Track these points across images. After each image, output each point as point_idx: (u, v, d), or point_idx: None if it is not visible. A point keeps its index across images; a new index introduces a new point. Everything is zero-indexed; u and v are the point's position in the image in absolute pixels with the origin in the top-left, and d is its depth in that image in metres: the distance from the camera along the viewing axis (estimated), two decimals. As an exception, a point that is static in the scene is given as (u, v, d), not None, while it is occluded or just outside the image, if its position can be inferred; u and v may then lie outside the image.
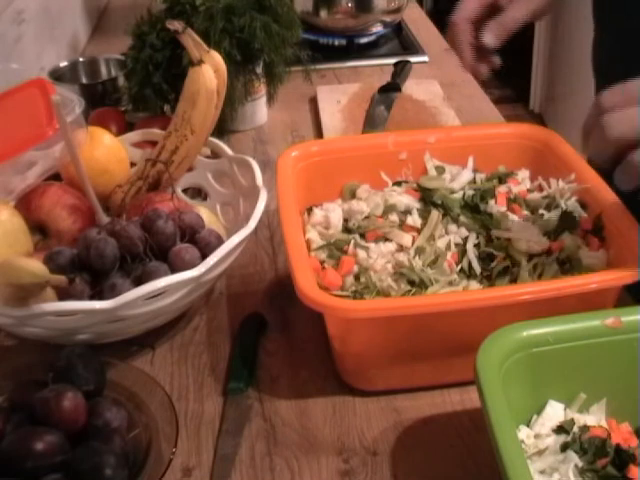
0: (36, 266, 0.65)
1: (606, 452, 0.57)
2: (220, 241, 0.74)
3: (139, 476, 0.59)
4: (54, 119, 0.74)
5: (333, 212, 0.77)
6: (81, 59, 1.25)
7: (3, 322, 0.69)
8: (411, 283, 0.68)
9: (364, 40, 1.51)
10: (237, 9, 1.03)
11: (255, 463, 0.64)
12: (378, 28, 1.50)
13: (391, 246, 0.72)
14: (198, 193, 0.94)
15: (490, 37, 0.78)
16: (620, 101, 0.58)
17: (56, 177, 0.84)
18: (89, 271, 0.70)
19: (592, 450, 0.57)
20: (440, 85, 1.27)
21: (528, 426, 0.60)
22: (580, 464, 0.56)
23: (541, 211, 0.76)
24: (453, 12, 0.82)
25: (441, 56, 1.46)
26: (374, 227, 0.74)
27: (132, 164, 0.90)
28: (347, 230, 0.76)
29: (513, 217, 0.75)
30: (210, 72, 0.82)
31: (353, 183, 0.82)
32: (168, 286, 0.68)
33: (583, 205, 0.76)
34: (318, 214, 0.77)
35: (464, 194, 0.78)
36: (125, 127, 1.02)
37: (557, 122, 3.06)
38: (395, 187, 0.81)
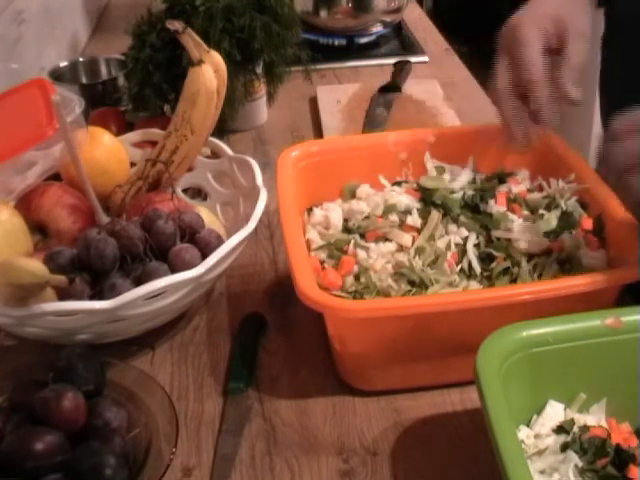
0: (36, 266, 0.65)
1: (606, 452, 0.57)
2: (220, 241, 0.74)
3: (139, 476, 0.59)
4: (54, 119, 0.74)
5: (333, 212, 0.77)
6: (81, 59, 1.25)
7: (3, 322, 0.69)
8: (411, 283, 0.68)
9: (364, 40, 1.51)
10: (237, 9, 1.03)
11: (255, 463, 0.64)
12: (378, 28, 1.50)
13: (391, 246, 0.72)
14: (198, 193, 0.94)
15: (576, 89, 0.70)
16: (627, 128, 0.58)
17: (56, 177, 0.84)
18: (89, 271, 0.70)
19: (592, 450, 0.57)
20: (440, 85, 1.27)
21: (528, 426, 0.60)
22: (580, 464, 0.56)
23: (541, 211, 0.76)
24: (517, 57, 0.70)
25: (441, 56, 1.46)
26: (374, 227, 0.74)
27: (132, 164, 0.90)
28: (347, 230, 0.76)
29: (513, 217, 0.75)
30: (210, 72, 0.82)
31: (353, 183, 0.81)
32: (168, 286, 0.68)
33: (583, 205, 0.76)
34: (318, 214, 0.77)
35: (464, 194, 0.78)
36: (125, 127, 1.02)
37: (557, 122, 3.05)
38: (395, 187, 0.81)
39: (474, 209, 0.77)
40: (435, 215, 0.75)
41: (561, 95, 0.71)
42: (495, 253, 0.71)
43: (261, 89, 1.17)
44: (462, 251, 0.72)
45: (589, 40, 0.73)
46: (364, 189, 0.81)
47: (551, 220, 0.74)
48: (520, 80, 0.71)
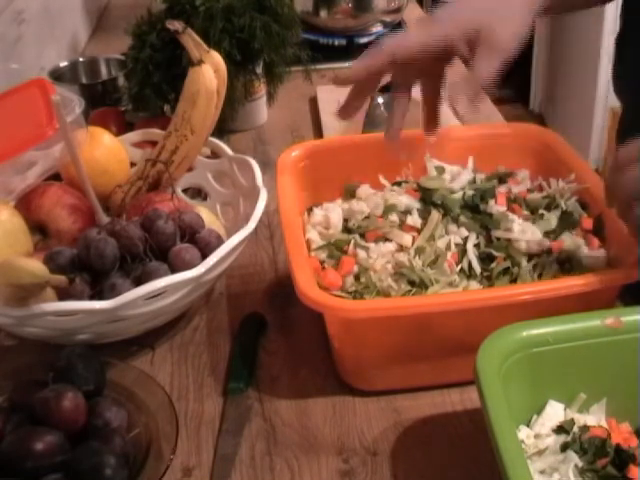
0: (36, 266, 0.65)
1: (606, 452, 0.57)
2: (220, 241, 0.74)
3: (139, 476, 0.59)
4: (54, 119, 0.74)
5: (333, 212, 0.77)
6: (81, 59, 1.25)
7: (3, 322, 0.69)
8: (411, 283, 0.68)
9: (364, 40, 1.50)
10: (237, 9, 1.03)
11: (255, 463, 0.64)
12: (378, 28, 1.50)
13: (391, 246, 0.72)
14: (198, 193, 0.94)
15: (465, 107, 0.62)
16: (635, 157, 0.57)
17: (56, 177, 0.84)
18: (89, 271, 0.70)
19: (592, 450, 0.57)
20: (440, 85, 1.27)
21: (528, 426, 0.60)
22: (580, 464, 0.56)
23: (541, 211, 0.76)
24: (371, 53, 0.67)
25: (441, 56, 1.46)
26: (374, 227, 0.74)
27: (132, 164, 0.90)
28: (347, 230, 0.76)
29: (513, 217, 0.75)
30: (210, 72, 0.82)
31: (353, 183, 0.81)
32: (168, 286, 0.68)
33: (583, 205, 0.76)
34: (318, 214, 0.77)
35: (464, 194, 0.78)
36: (125, 127, 1.02)
37: (557, 122, 3.06)
38: (395, 187, 0.81)
39: (474, 209, 0.76)
40: (435, 215, 0.75)
41: (450, 106, 0.67)
42: (495, 253, 0.71)
43: (261, 89, 1.17)
44: (462, 251, 0.72)
45: (505, 57, 0.64)
46: (364, 189, 0.81)
47: (551, 220, 0.74)
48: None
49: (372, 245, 0.72)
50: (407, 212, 0.76)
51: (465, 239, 0.73)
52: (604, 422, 0.60)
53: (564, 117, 3.03)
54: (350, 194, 0.81)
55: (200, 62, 0.82)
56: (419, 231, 0.74)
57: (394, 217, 0.76)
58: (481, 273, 0.70)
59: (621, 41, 0.91)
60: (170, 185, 0.80)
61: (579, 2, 0.87)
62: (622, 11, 0.90)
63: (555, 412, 0.60)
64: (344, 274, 0.69)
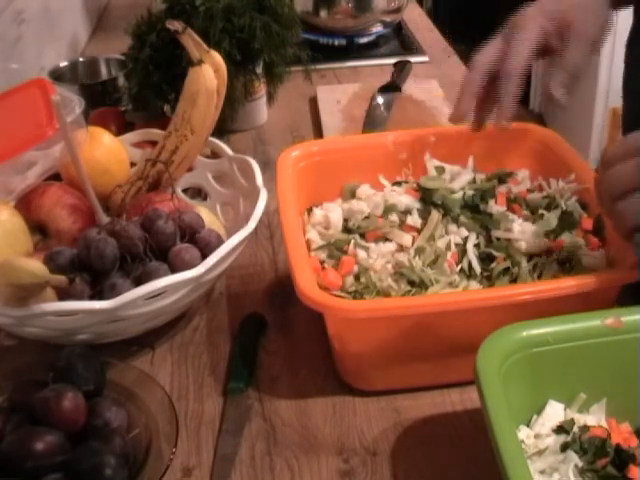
0: (36, 266, 0.65)
1: (606, 452, 0.57)
2: (220, 241, 0.74)
3: (139, 476, 0.59)
4: (54, 119, 0.74)
5: (333, 212, 0.77)
6: (81, 59, 1.25)
7: (3, 322, 0.69)
8: (411, 283, 0.68)
9: (364, 40, 1.51)
10: (237, 9, 1.03)
11: (255, 463, 0.64)
12: (378, 28, 1.50)
13: (391, 246, 0.72)
14: (198, 193, 0.94)
15: (561, 91, 0.70)
16: (621, 154, 0.58)
17: (56, 177, 0.84)
18: (89, 271, 0.70)
19: (592, 450, 0.57)
20: (440, 85, 1.27)
21: (528, 426, 0.60)
22: (580, 464, 0.56)
23: (541, 211, 0.76)
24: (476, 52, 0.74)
25: (441, 56, 1.46)
26: (374, 227, 0.74)
27: (132, 164, 0.90)
28: (347, 230, 0.76)
29: (513, 217, 0.75)
30: (210, 72, 0.82)
31: (353, 183, 0.81)
32: (168, 286, 0.68)
33: (583, 205, 0.76)
34: (318, 214, 0.77)
35: (464, 194, 0.78)
36: (125, 127, 1.02)
37: (557, 122, 3.06)
38: (395, 187, 0.81)
39: (474, 209, 0.76)
40: (435, 215, 0.75)
41: (545, 94, 0.72)
42: (495, 253, 0.71)
43: (261, 89, 1.17)
44: (462, 251, 0.72)
45: (593, 45, 0.72)
46: (364, 189, 0.81)
47: (551, 220, 0.74)
48: (500, 63, 0.72)
49: (372, 245, 0.72)
50: (407, 212, 0.76)
51: (465, 239, 0.73)
52: (604, 422, 0.60)
53: (564, 117, 3.03)
54: (350, 194, 0.81)
55: (200, 62, 0.82)
56: (419, 231, 0.74)
57: (394, 217, 0.76)
58: (481, 273, 0.71)
59: (632, 42, 0.91)
60: (170, 185, 0.80)
61: None
62: (635, 12, 0.90)
63: (555, 412, 0.60)
64: (344, 274, 0.70)
